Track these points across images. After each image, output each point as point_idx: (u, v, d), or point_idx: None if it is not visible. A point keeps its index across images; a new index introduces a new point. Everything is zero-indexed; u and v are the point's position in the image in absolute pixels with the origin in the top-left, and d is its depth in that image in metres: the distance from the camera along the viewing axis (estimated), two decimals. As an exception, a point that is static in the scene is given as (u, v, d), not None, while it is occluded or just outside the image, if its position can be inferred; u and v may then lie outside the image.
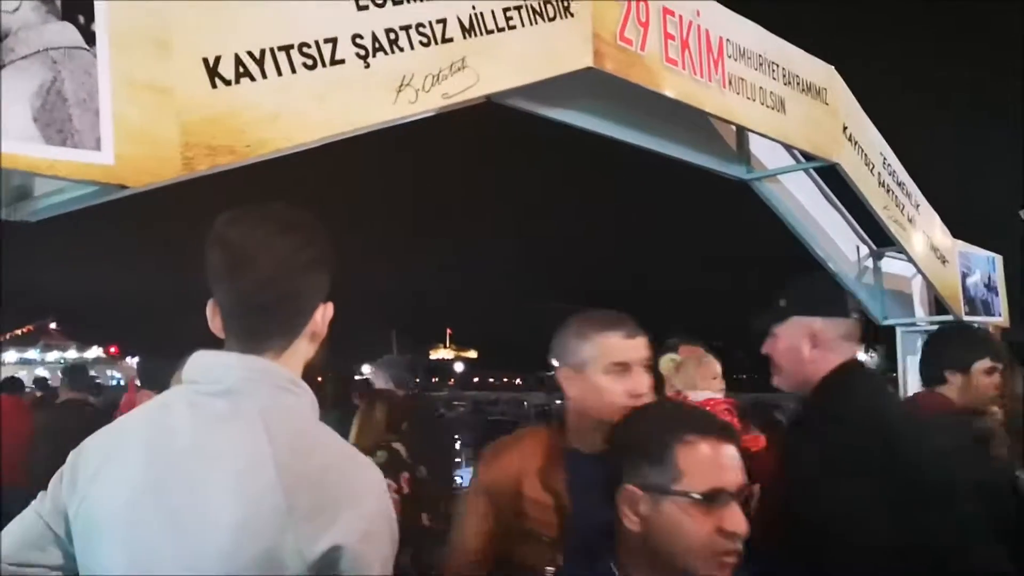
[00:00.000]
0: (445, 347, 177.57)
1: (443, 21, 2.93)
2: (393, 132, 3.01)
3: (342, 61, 2.61)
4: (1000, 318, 8.05)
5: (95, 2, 2.05)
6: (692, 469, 1.51)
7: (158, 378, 3.52)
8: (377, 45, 2.71)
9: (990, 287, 8.04)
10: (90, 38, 2.03)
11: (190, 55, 2.25)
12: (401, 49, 2.78)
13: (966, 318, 7.32)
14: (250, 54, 2.38)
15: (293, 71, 2.48)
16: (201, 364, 1.34)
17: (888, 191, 6.15)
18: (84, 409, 6.10)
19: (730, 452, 1.56)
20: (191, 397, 1.31)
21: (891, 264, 7.41)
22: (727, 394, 3.65)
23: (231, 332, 1.35)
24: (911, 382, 6.69)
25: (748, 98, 4.55)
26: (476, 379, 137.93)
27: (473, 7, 3.06)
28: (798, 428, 2.58)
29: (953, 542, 2.08)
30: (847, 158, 5.55)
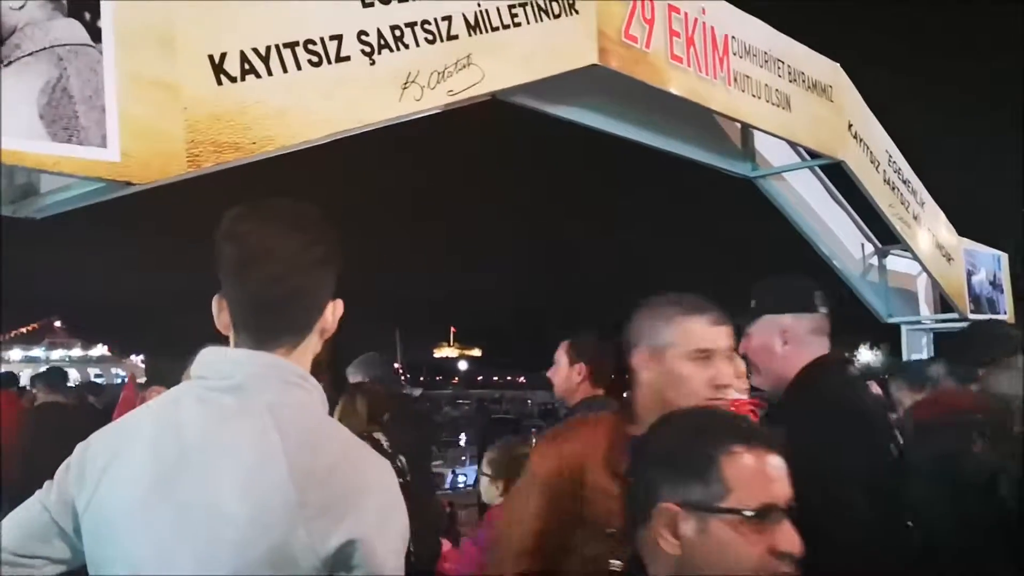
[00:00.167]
0: (449, 345, 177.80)
1: (448, 18, 2.93)
2: (397, 130, 3.01)
3: (348, 58, 2.61)
4: (1005, 315, 8.03)
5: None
6: (740, 483, 1.35)
7: (164, 375, 3.54)
8: (383, 42, 2.71)
9: (995, 285, 8.02)
10: (96, 35, 2.04)
11: (196, 52, 2.25)
12: (406, 46, 2.78)
13: (971, 316, 7.31)
14: (256, 51, 2.38)
15: (299, 68, 2.48)
16: (210, 360, 1.34)
17: (893, 189, 6.14)
18: (62, 410, 6.10)
19: (777, 463, 1.41)
20: (200, 393, 1.31)
21: (896, 262, 7.40)
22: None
23: (242, 328, 1.34)
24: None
25: (753, 95, 4.54)
26: (480, 377, 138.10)
27: (478, 4, 3.06)
28: (770, 423, 2.58)
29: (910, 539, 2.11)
30: (852, 156, 5.54)
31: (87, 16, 2.02)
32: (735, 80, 4.39)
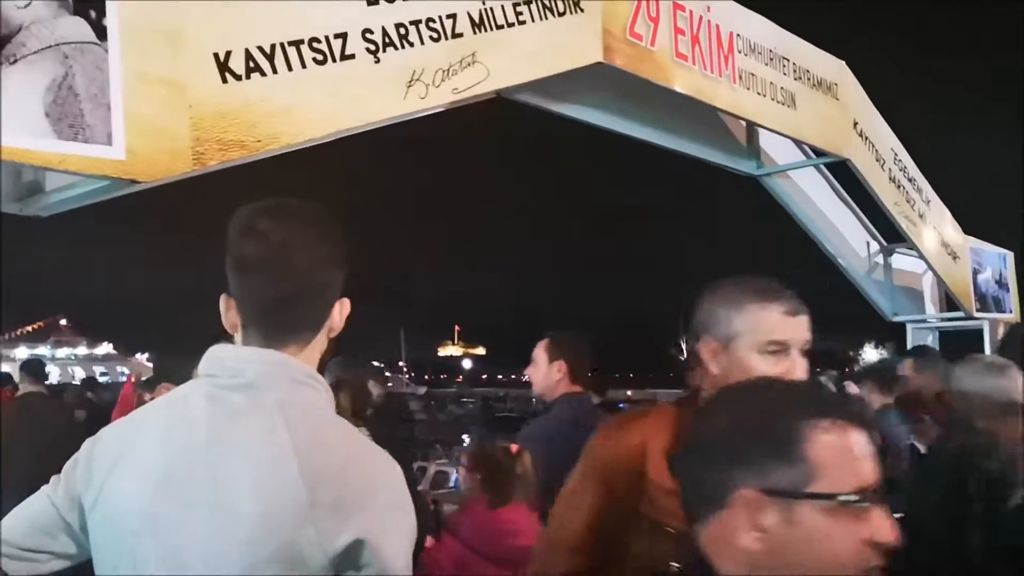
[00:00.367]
0: (453, 344, 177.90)
1: (453, 16, 2.93)
2: (402, 128, 3.01)
3: (352, 56, 2.61)
4: (1011, 314, 8.00)
5: (106, -3, 2.05)
6: (830, 463, 1.16)
7: (170, 373, 3.55)
8: (387, 40, 2.71)
9: (1001, 283, 8.00)
10: (102, 33, 2.04)
11: (201, 50, 2.26)
12: (411, 44, 2.78)
13: (976, 314, 7.29)
14: (260, 49, 2.38)
15: (303, 66, 2.48)
16: (219, 357, 1.33)
17: (899, 187, 6.12)
18: (42, 400, 6.18)
19: (864, 439, 1.21)
20: (210, 390, 1.31)
21: (902, 260, 7.39)
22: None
23: (252, 326, 1.34)
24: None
25: (758, 93, 4.53)
26: (484, 376, 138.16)
27: (483, 2, 3.06)
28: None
29: None
30: (858, 154, 5.52)
31: (93, 14, 2.02)
32: (740, 78, 4.38)
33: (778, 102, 4.70)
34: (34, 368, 6.57)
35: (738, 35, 4.39)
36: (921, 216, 6.44)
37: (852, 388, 5.41)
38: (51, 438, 4.44)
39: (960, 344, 7.93)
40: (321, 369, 1.39)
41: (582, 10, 3.47)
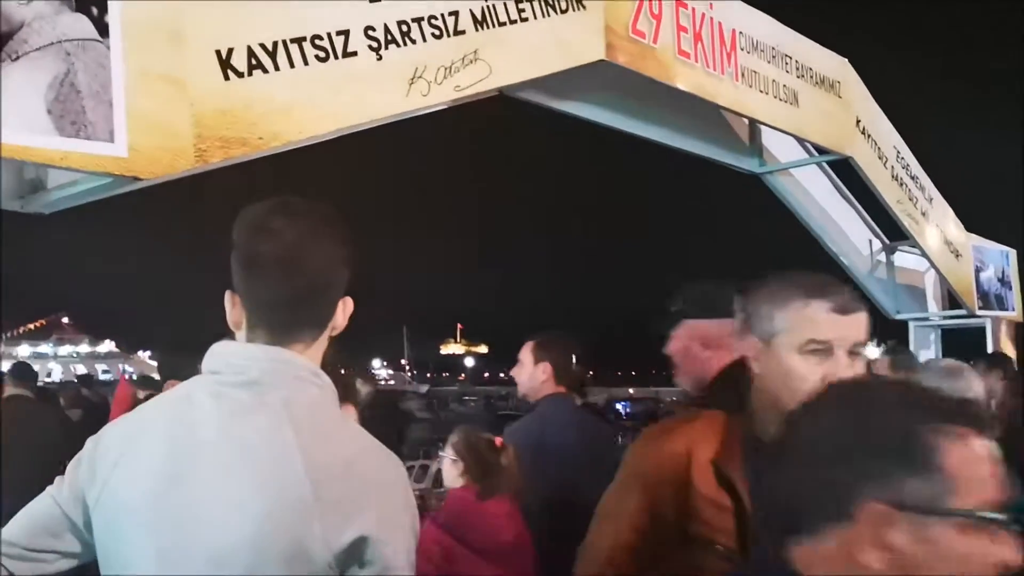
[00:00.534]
0: (456, 342, 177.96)
1: (455, 13, 2.93)
2: (404, 126, 3.01)
3: (354, 53, 2.61)
4: (1014, 312, 8.00)
5: (108, -6, 2.05)
6: (967, 476, 1.02)
7: (174, 370, 3.56)
8: (389, 37, 2.71)
9: (1004, 281, 7.99)
10: (103, 30, 2.04)
11: (203, 47, 2.25)
12: (413, 41, 2.78)
13: (979, 312, 7.28)
14: (263, 46, 2.38)
15: (306, 63, 2.48)
16: (223, 354, 1.33)
17: (902, 185, 6.12)
18: (27, 403, 6.19)
19: (995, 450, 1.07)
20: (214, 388, 1.30)
21: (904, 258, 7.38)
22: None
23: (259, 324, 1.33)
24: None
25: (761, 91, 4.53)
26: (487, 374, 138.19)
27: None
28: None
29: None
30: (861, 152, 5.52)
31: (94, 11, 2.02)
32: (743, 75, 4.38)
33: (781, 100, 4.69)
34: (20, 371, 6.58)
35: (741, 33, 4.38)
36: (924, 214, 6.43)
37: None
38: (38, 441, 4.43)
39: (963, 342, 7.93)
40: (324, 367, 1.39)
41: (584, 7, 3.47)
